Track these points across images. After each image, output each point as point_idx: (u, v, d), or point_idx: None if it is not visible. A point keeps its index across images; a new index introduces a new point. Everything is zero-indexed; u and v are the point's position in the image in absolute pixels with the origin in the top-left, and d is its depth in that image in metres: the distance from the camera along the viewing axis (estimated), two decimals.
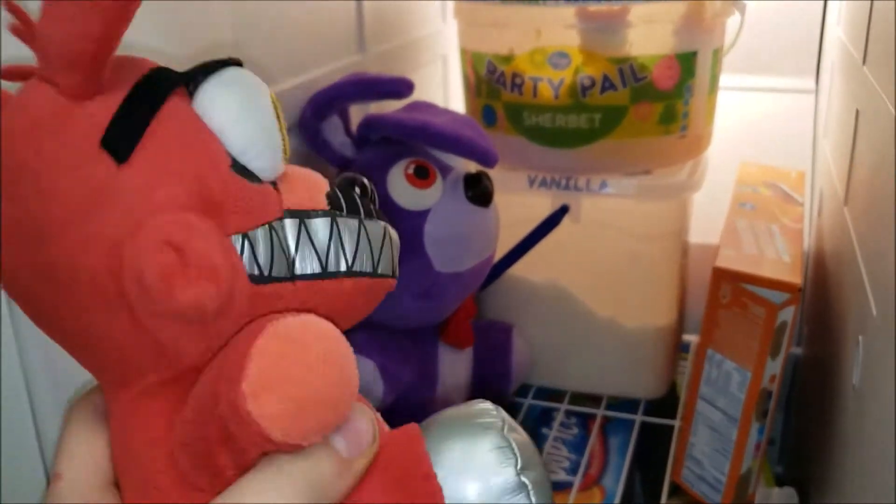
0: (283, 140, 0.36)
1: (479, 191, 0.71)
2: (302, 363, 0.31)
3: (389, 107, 0.76)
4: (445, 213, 0.70)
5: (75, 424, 0.38)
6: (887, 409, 0.53)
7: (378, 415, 0.39)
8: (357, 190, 0.39)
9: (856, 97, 0.78)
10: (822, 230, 0.97)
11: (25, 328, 0.54)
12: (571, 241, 0.86)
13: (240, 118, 0.34)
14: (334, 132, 0.73)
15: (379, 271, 0.38)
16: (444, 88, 1.06)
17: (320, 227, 0.36)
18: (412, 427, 0.39)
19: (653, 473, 0.93)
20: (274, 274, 0.34)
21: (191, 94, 0.34)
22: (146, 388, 0.34)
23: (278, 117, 0.36)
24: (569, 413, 0.95)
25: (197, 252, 0.31)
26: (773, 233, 0.79)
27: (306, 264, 0.35)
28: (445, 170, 0.72)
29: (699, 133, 0.85)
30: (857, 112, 0.76)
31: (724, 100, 0.91)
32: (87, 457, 0.37)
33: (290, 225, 0.35)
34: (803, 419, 0.98)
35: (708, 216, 0.95)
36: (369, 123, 0.72)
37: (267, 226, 0.34)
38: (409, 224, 0.69)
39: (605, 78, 0.78)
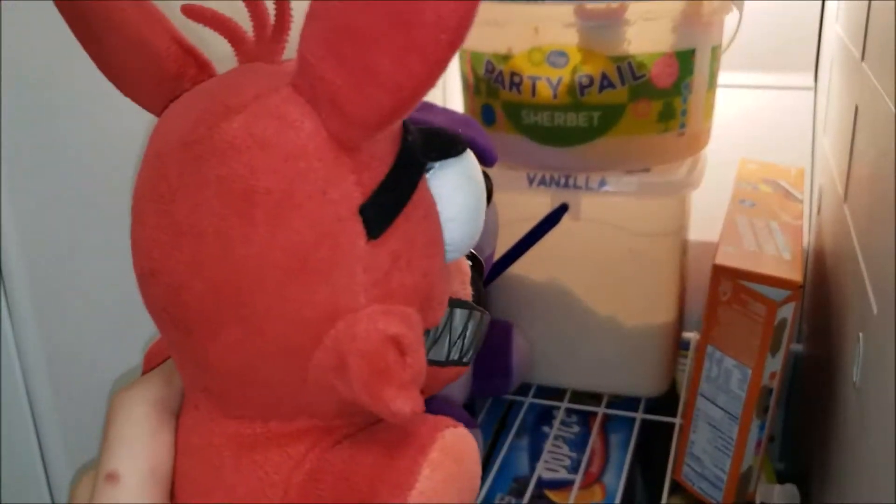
0: None
1: None
2: (461, 484, 0.31)
3: None
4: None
5: (134, 419, 0.34)
6: (888, 406, 0.53)
7: None
8: (470, 262, 0.39)
9: (855, 94, 0.78)
10: (822, 228, 0.97)
11: (25, 329, 0.54)
12: (571, 239, 0.86)
13: (468, 216, 0.33)
14: None
15: (469, 361, 0.37)
16: (443, 88, 1.06)
17: (459, 317, 0.35)
18: None
19: (653, 471, 0.93)
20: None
21: (427, 170, 0.32)
22: (266, 435, 0.33)
23: None
24: (569, 411, 0.95)
25: (416, 357, 0.30)
26: (773, 230, 0.79)
27: (439, 352, 0.35)
28: None
29: (698, 130, 0.85)
30: (857, 108, 0.76)
31: (722, 97, 0.91)
32: (149, 460, 0.33)
33: (444, 317, 0.34)
34: (804, 416, 0.98)
35: (707, 214, 0.94)
36: None
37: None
38: None
39: (604, 76, 0.78)
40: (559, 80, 0.78)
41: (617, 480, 0.86)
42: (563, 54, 0.78)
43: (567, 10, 0.77)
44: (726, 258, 0.73)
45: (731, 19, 0.88)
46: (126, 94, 0.36)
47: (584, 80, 0.78)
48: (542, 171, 0.84)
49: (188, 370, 0.34)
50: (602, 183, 0.82)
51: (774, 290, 0.69)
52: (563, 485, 0.86)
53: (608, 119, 0.79)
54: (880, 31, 0.69)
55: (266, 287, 0.29)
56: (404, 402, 0.28)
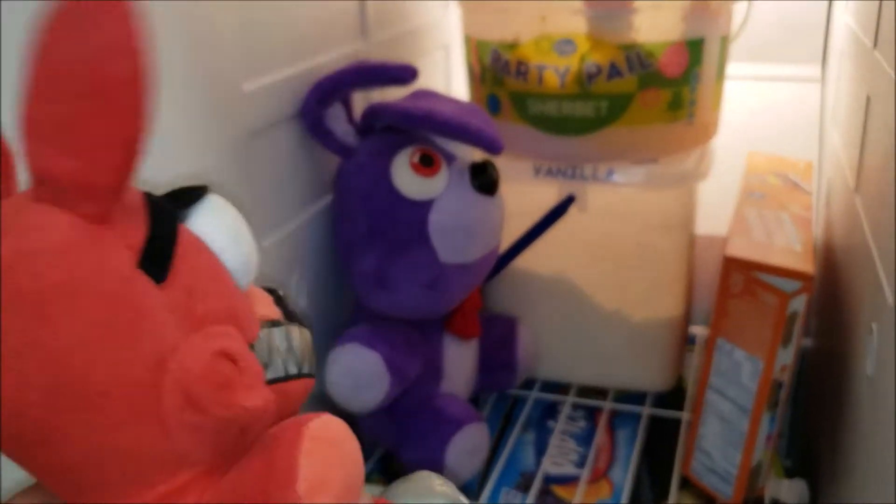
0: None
1: (485, 179, 0.70)
2: (343, 463, 0.34)
3: (392, 95, 0.75)
4: (451, 203, 0.69)
5: None
6: None
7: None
8: (271, 296, 0.43)
9: (866, 83, 0.77)
10: (831, 221, 0.96)
11: None
12: (578, 230, 0.85)
13: (236, 242, 0.37)
14: (337, 120, 0.72)
15: (310, 372, 0.41)
16: (447, 77, 1.05)
17: (278, 335, 0.38)
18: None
19: (660, 466, 0.92)
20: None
21: (182, 219, 0.36)
22: (157, 500, 0.34)
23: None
24: (575, 406, 0.94)
25: (248, 360, 0.33)
26: (783, 221, 0.78)
27: (276, 370, 0.38)
28: (451, 158, 0.71)
29: (706, 120, 0.84)
30: (868, 98, 0.75)
31: (730, 89, 0.90)
32: None
33: (262, 336, 0.38)
34: (813, 411, 0.97)
35: (715, 208, 0.94)
36: (373, 111, 0.71)
37: (259, 336, 0.37)
38: (414, 214, 0.68)
39: (612, 65, 0.77)
40: (567, 69, 0.77)
41: (624, 476, 0.85)
42: (570, 42, 0.77)
43: None
44: (737, 250, 0.71)
45: (738, 10, 0.87)
46: None
47: (592, 69, 0.77)
48: (549, 161, 0.83)
49: (63, 484, 0.35)
50: (609, 173, 0.81)
51: (786, 282, 0.68)
52: (570, 480, 0.85)
53: (616, 108, 0.78)
54: (893, 17, 0.68)
55: (92, 365, 0.32)
56: (255, 398, 0.33)
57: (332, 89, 0.69)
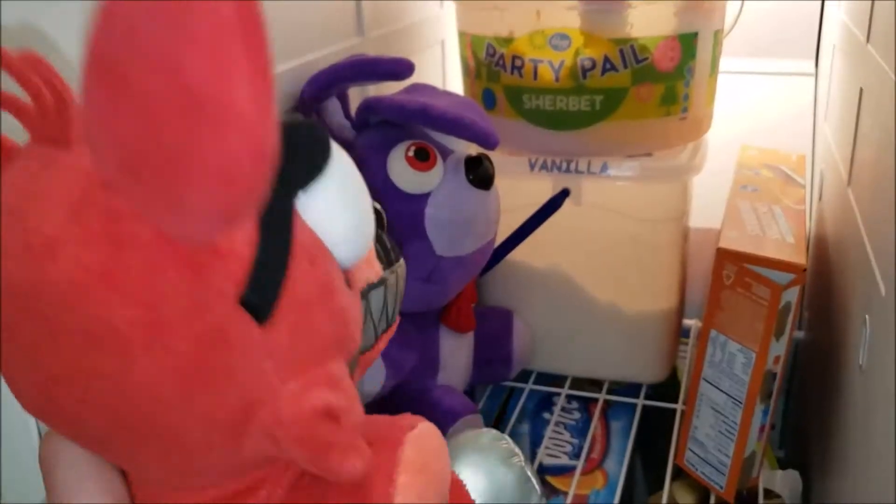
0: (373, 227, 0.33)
1: (480, 173, 0.70)
2: (436, 490, 0.32)
3: (388, 90, 0.75)
4: (446, 196, 0.69)
5: (76, 460, 0.32)
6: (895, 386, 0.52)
7: None
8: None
9: (859, 77, 0.78)
10: (824, 214, 0.97)
11: None
12: (572, 224, 0.86)
13: (356, 234, 0.32)
14: (333, 115, 0.72)
15: (394, 318, 0.37)
16: (443, 73, 1.06)
17: (375, 298, 0.34)
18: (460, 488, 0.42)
19: (654, 457, 0.93)
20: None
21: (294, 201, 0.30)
22: (226, 495, 0.32)
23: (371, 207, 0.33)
24: (570, 397, 0.95)
25: (351, 416, 0.29)
26: (776, 214, 0.78)
27: (367, 340, 0.34)
28: (446, 152, 0.71)
29: (700, 115, 0.84)
30: (861, 91, 0.76)
31: (724, 84, 0.90)
32: (104, 488, 0.32)
33: (361, 307, 0.34)
34: (805, 403, 0.98)
35: (708, 201, 0.94)
36: (369, 106, 0.71)
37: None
38: (410, 208, 0.69)
39: (606, 59, 0.77)
40: (561, 64, 0.78)
41: (618, 466, 0.86)
42: (565, 37, 0.77)
43: None
44: (730, 242, 0.72)
45: (732, 4, 0.87)
46: None
47: (587, 64, 0.77)
48: (544, 155, 0.84)
49: (121, 465, 0.33)
50: (604, 167, 0.82)
51: (779, 274, 0.68)
52: (565, 471, 0.86)
53: (610, 103, 0.79)
54: (887, 12, 0.68)
55: (168, 408, 0.28)
56: (354, 463, 0.28)
57: (328, 84, 0.70)
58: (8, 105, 0.30)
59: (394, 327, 0.37)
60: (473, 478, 0.44)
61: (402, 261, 0.37)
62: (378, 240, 0.36)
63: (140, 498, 0.33)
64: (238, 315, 0.27)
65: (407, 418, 0.34)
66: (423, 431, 0.33)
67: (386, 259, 0.36)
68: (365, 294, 0.34)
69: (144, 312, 0.26)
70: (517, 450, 0.45)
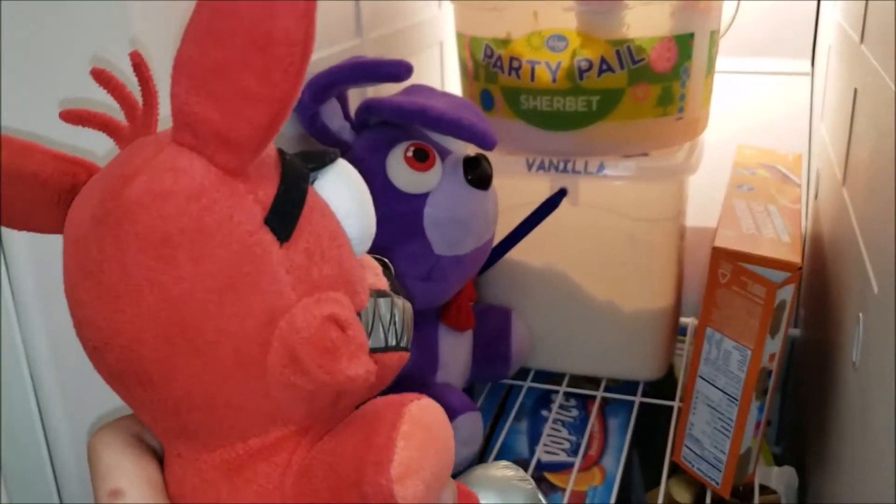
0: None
1: (478, 173, 0.71)
2: (437, 450, 0.34)
3: (387, 91, 0.76)
4: (445, 196, 0.70)
5: (120, 447, 0.37)
6: (888, 383, 0.53)
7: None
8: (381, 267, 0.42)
9: (854, 77, 0.79)
10: (819, 213, 0.97)
11: (30, 327, 0.54)
12: (570, 224, 0.87)
13: (360, 210, 0.37)
14: (333, 116, 0.73)
15: (407, 346, 0.40)
16: (441, 74, 1.06)
17: (384, 306, 0.38)
18: (470, 492, 0.43)
19: (652, 454, 0.94)
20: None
21: (312, 180, 0.36)
22: (249, 451, 0.35)
23: None
24: (568, 395, 0.95)
25: (356, 329, 0.33)
26: (772, 213, 0.79)
27: (377, 339, 0.37)
28: (444, 153, 0.72)
29: (696, 115, 0.85)
30: (856, 91, 0.76)
31: (720, 83, 0.91)
32: (145, 476, 0.36)
33: (369, 305, 0.37)
34: (801, 400, 0.99)
35: (705, 200, 0.95)
36: (368, 107, 0.72)
37: (366, 305, 0.37)
38: (409, 207, 0.69)
39: (603, 60, 0.78)
40: (558, 65, 0.79)
41: (616, 463, 0.86)
42: (562, 38, 0.78)
43: None
44: (726, 241, 0.73)
45: (728, 5, 0.88)
46: (41, 231, 0.39)
47: (584, 65, 0.78)
48: (541, 155, 0.84)
49: (161, 423, 0.36)
50: (601, 167, 0.83)
51: (774, 272, 0.69)
52: (563, 468, 0.86)
53: (607, 103, 0.79)
54: (880, 13, 0.69)
55: (207, 314, 0.32)
56: (358, 367, 0.33)
57: (327, 85, 0.70)
58: (102, 124, 0.38)
59: (405, 354, 0.40)
60: (485, 494, 0.46)
61: (409, 304, 0.41)
62: (386, 274, 0.41)
63: (174, 480, 0.37)
64: (263, 232, 0.33)
65: (414, 394, 0.36)
66: (428, 401, 0.35)
67: (394, 290, 0.40)
68: (374, 295, 0.38)
69: (189, 222, 0.32)
70: (528, 477, 0.48)
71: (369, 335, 0.37)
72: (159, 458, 0.38)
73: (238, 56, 0.30)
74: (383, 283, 0.39)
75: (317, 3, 0.30)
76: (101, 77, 0.38)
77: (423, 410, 0.34)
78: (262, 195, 0.33)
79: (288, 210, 0.34)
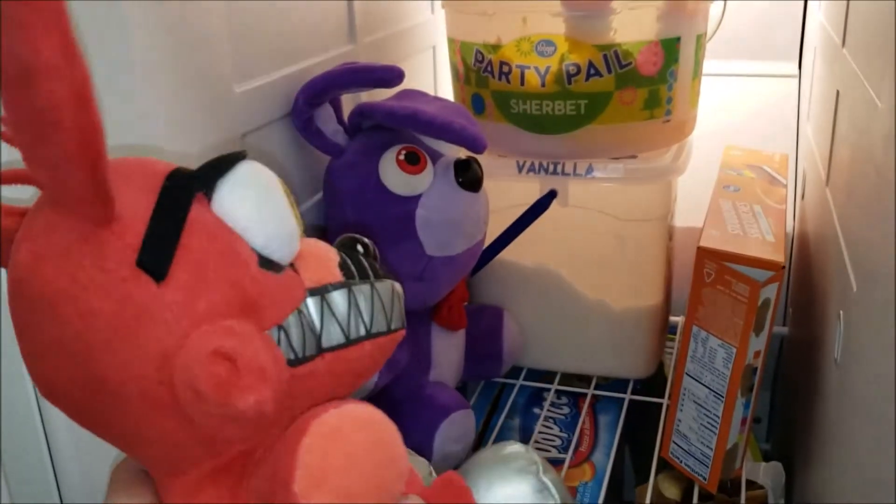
0: (299, 224, 0.38)
1: (468, 176, 0.72)
2: (345, 454, 0.34)
3: (380, 96, 0.77)
4: (436, 198, 0.71)
5: (122, 481, 0.39)
6: (868, 380, 0.54)
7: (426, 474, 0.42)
8: (360, 249, 0.42)
9: (836, 79, 0.80)
10: (805, 213, 0.99)
11: None
12: (560, 225, 0.88)
13: (261, 217, 0.36)
14: (326, 120, 0.74)
15: (392, 327, 0.40)
16: (434, 78, 1.08)
17: (339, 298, 0.38)
18: (456, 479, 0.43)
19: (641, 450, 0.95)
20: (307, 354, 0.36)
21: (207, 196, 0.36)
22: (201, 476, 0.36)
23: (292, 204, 0.38)
24: (559, 393, 0.97)
25: (246, 358, 0.33)
26: (757, 213, 0.80)
27: (332, 337, 0.37)
28: (436, 156, 0.73)
29: (683, 118, 0.86)
30: (838, 94, 0.78)
31: (708, 85, 0.92)
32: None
33: (313, 304, 0.37)
34: (788, 397, 1.00)
35: (693, 201, 0.96)
36: (361, 111, 0.73)
37: (296, 311, 0.36)
38: (401, 209, 0.71)
39: (591, 64, 0.79)
40: (547, 69, 0.80)
41: (606, 459, 0.88)
42: (550, 43, 0.79)
43: (554, 1, 0.79)
44: (710, 241, 0.74)
45: (715, 8, 0.89)
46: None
47: (572, 69, 0.79)
48: (531, 158, 0.86)
49: (126, 452, 0.38)
50: (589, 170, 0.84)
51: (758, 272, 0.71)
52: (554, 464, 0.87)
53: (595, 107, 0.81)
54: (860, 17, 0.70)
55: (105, 362, 0.33)
56: (248, 399, 0.32)
57: (321, 91, 0.72)
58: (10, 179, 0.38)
59: (394, 336, 0.40)
60: (487, 490, 0.45)
61: (387, 281, 0.41)
62: (353, 258, 0.40)
63: (161, 497, 0.38)
64: (137, 275, 0.33)
65: (344, 401, 0.36)
66: (350, 406, 0.35)
67: (361, 274, 0.40)
68: (319, 292, 0.38)
69: (66, 282, 0.33)
70: (537, 458, 0.46)
71: (317, 337, 0.36)
72: None
73: (29, 128, 0.29)
74: (335, 276, 0.39)
75: (76, 55, 0.28)
76: None
77: (333, 419, 0.34)
78: (131, 237, 0.33)
79: (159, 247, 0.33)
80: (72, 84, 0.28)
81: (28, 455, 0.58)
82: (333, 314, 0.37)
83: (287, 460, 0.33)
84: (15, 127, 0.30)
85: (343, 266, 0.40)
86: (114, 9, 0.52)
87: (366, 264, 0.41)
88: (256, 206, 0.36)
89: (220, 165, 0.36)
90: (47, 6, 0.27)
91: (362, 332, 0.38)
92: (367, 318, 0.39)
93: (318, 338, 0.37)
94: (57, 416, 0.58)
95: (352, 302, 0.38)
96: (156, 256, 0.33)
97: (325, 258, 0.40)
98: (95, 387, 0.33)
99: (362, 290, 0.39)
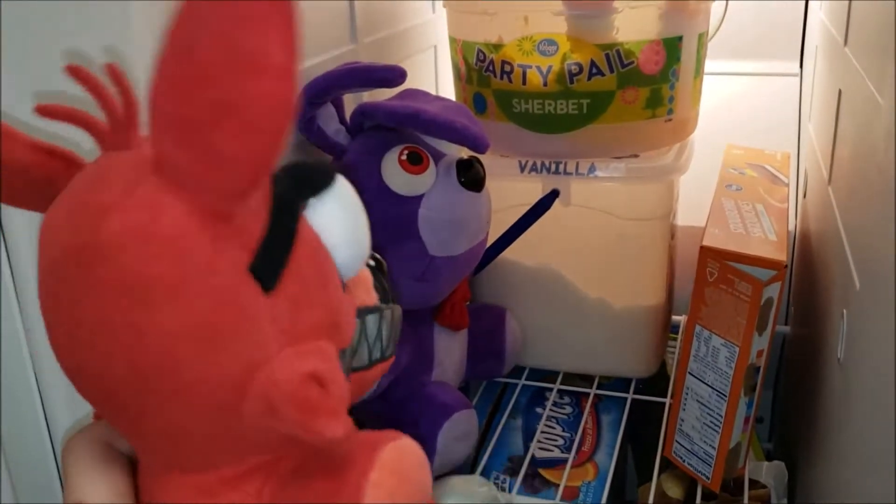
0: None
1: (471, 176, 0.72)
2: (406, 492, 0.34)
3: (382, 95, 0.77)
4: (439, 198, 0.71)
5: (89, 457, 0.37)
6: (871, 378, 0.54)
7: None
8: (372, 263, 0.41)
9: (838, 78, 0.80)
10: (807, 211, 0.99)
11: (32, 313, 0.55)
12: (562, 224, 0.88)
13: (353, 237, 0.36)
14: (328, 120, 0.74)
15: (392, 353, 0.40)
16: (436, 77, 1.08)
17: (371, 322, 0.38)
18: None
19: (644, 449, 0.95)
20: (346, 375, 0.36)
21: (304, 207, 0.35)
22: (222, 478, 0.35)
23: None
24: (562, 392, 0.97)
25: (336, 385, 0.32)
26: (759, 212, 0.80)
27: (361, 358, 0.37)
28: (438, 156, 0.73)
29: (685, 117, 0.86)
30: (840, 92, 0.78)
31: (710, 84, 0.92)
32: (110, 485, 0.36)
33: (355, 330, 0.37)
34: (791, 396, 1.00)
35: (695, 200, 0.96)
36: (363, 111, 0.73)
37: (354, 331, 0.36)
38: (404, 209, 0.71)
39: (593, 64, 0.79)
40: (549, 69, 0.80)
41: (609, 459, 0.88)
42: (552, 43, 0.79)
43: (556, 0, 0.79)
44: (713, 240, 0.74)
45: (716, 7, 0.89)
46: (22, 208, 0.38)
47: (574, 68, 0.79)
48: (533, 157, 0.86)
49: (134, 441, 0.36)
50: (591, 169, 0.84)
51: (760, 270, 0.71)
52: (557, 463, 0.88)
53: (597, 106, 0.81)
54: (862, 16, 0.70)
55: (183, 360, 0.31)
56: (336, 428, 0.31)
57: (322, 90, 0.72)
58: (81, 122, 0.35)
59: (389, 362, 0.40)
60: None
61: (398, 306, 0.41)
62: (377, 279, 0.40)
63: (146, 489, 0.37)
64: (247, 281, 0.31)
65: (392, 432, 0.36)
66: (405, 442, 0.35)
67: (383, 297, 0.40)
68: (361, 314, 0.37)
69: (170, 268, 0.30)
70: (499, 497, 0.48)
71: (352, 359, 0.36)
72: (132, 462, 0.38)
73: (207, 117, 0.28)
74: (373, 298, 0.38)
75: (297, 63, 0.27)
76: (78, 74, 0.35)
77: (395, 455, 0.34)
78: (248, 239, 0.32)
79: (274, 257, 0.32)
80: (290, 88, 0.27)
81: (29, 442, 0.58)
82: (366, 337, 0.37)
83: (351, 490, 0.33)
84: (188, 101, 0.28)
85: (378, 290, 0.40)
86: (120, 9, 0.52)
87: (387, 286, 0.41)
88: (351, 225, 0.36)
89: (321, 177, 0.35)
90: (284, 5, 0.26)
91: (378, 355, 0.38)
92: (385, 342, 0.39)
93: (349, 360, 0.37)
94: (58, 404, 0.58)
95: (381, 326, 0.38)
96: (269, 266, 0.32)
97: (365, 279, 0.39)
98: (156, 379, 0.32)
99: (386, 315, 0.39)
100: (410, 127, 0.72)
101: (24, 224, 0.54)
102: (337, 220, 0.35)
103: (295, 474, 0.35)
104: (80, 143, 0.37)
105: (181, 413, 0.33)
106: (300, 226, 0.34)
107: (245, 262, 0.31)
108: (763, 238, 0.75)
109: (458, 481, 0.48)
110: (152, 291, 0.30)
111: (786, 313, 1.11)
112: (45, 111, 0.35)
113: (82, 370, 0.33)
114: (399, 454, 0.34)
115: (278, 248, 0.32)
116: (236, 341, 0.31)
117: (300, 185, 0.34)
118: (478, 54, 0.84)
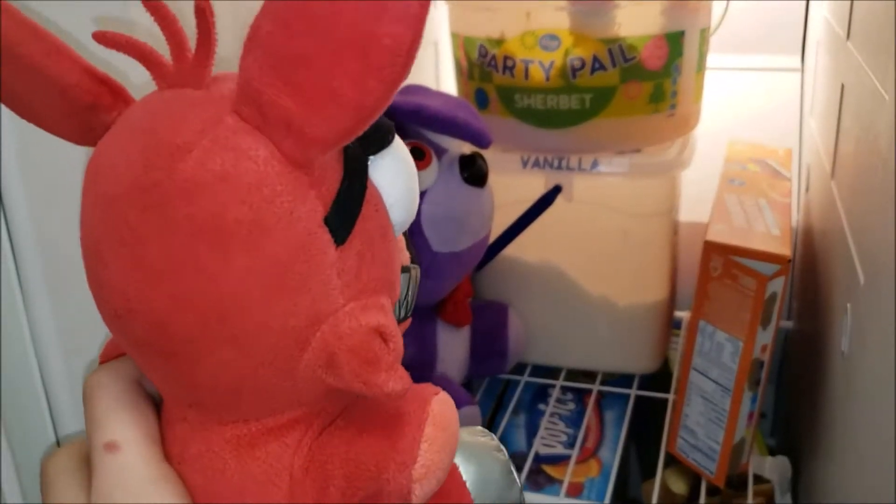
0: None
1: (474, 171, 0.72)
2: (451, 449, 0.34)
3: None
4: (441, 194, 0.71)
5: (118, 393, 0.35)
6: (876, 373, 0.54)
7: None
8: None
9: (841, 73, 0.80)
10: (810, 206, 0.99)
11: (33, 291, 0.55)
12: (564, 220, 0.88)
13: (409, 195, 0.35)
14: None
15: (410, 314, 0.39)
16: (436, 73, 1.08)
17: (403, 283, 0.37)
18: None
19: (647, 445, 0.95)
20: None
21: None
22: (263, 429, 0.34)
23: None
24: (565, 389, 0.97)
25: (396, 340, 0.32)
26: (762, 207, 0.80)
27: (396, 316, 0.37)
28: (440, 151, 0.73)
29: (688, 111, 0.86)
30: (843, 87, 0.78)
31: (711, 80, 0.92)
32: (143, 427, 0.34)
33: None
34: (794, 391, 1.00)
35: (698, 195, 0.96)
36: None
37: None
38: None
39: (595, 59, 0.79)
40: (551, 64, 0.80)
41: (612, 455, 0.88)
42: (555, 38, 0.79)
43: None
44: (717, 235, 0.74)
45: (718, 2, 0.89)
46: (41, 127, 0.36)
47: (576, 63, 0.79)
48: (536, 153, 0.86)
49: (172, 389, 0.35)
50: (594, 164, 0.84)
51: (764, 265, 0.70)
52: (560, 460, 0.88)
53: (600, 101, 0.81)
54: (864, 11, 0.70)
55: (251, 308, 0.31)
56: (396, 383, 0.31)
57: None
58: (142, 54, 0.34)
59: (407, 322, 0.40)
60: (464, 465, 0.46)
61: (418, 267, 0.40)
62: (406, 238, 0.39)
63: (174, 438, 0.35)
64: (321, 232, 0.31)
65: (430, 386, 0.35)
66: (445, 397, 0.35)
67: (412, 258, 0.39)
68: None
69: (249, 212, 0.30)
70: (502, 447, 0.48)
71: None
72: (157, 405, 0.36)
73: (331, 54, 0.27)
74: (406, 258, 0.38)
75: (426, 13, 0.27)
76: (107, 40, 0.33)
77: (442, 409, 0.34)
78: (325, 190, 0.31)
79: (348, 210, 0.32)
80: (419, 38, 0.26)
81: (36, 442, 0.58)
82: (398, 296, 0.37)
83: (407, 445, 0.33)
84: (310, 37, 0.27)
85: (410, 250, 0.39)
86: (119, 9, 0.52)
87: (411, 247, 0.40)
88: (409, 183, 0.35)
89: (383, 134, 0.34)
90: None
91: (403, 314, 0.37)
92: (410, 302, 0.38)
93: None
94: (56, 372, 0.58)
95: (409, 286, 0.37)
96: (343, 219, 0.31)
97: (401, 239, 0.38)
98: (218, 325, 0.31)
99: (413, 275, 0.38)
100: (413, 122, 0.72)
101: (27, 221, 0.54)
102: (396, 177, 0.34)
103: (337, 427, 0.35)
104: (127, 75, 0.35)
105: (239, 362, 0.32)
106: (368, 183, 0.33)
107: (321, 213, 0.31)
108: (766, 233, 0.75)
109: (461, 432, 0.48)
110: (231, 237, 0.30)
111: (788, 308, 1.11)
112: (105, 39, 0.34)
113: (135, 311, 0.32)
114: (445, 407, 0.34)
115: (351, 201, 0.32)
116: (306, 292, 0.31)
117: (367, 140, 0.33)
118: (480, 50, 0.84)
